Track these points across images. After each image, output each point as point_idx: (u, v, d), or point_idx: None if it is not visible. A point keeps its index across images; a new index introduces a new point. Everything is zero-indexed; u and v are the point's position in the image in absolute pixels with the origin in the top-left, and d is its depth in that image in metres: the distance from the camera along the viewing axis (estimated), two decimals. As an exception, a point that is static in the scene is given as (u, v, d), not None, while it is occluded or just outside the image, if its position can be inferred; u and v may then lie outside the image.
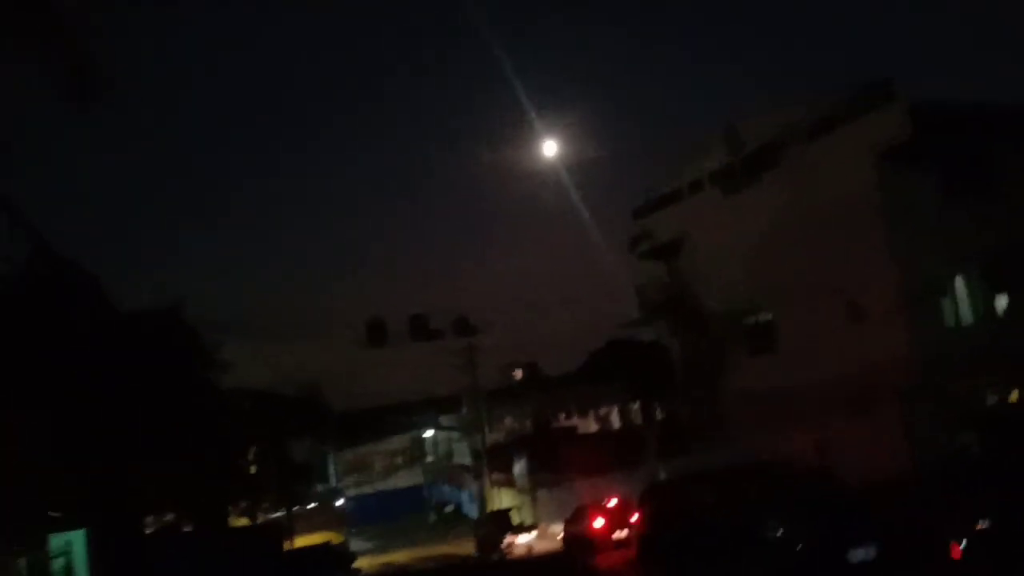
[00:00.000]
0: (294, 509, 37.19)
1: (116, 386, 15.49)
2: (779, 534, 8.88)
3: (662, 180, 30.28)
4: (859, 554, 8.46)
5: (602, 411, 58.48)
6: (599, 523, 22.43)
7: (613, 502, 23.22)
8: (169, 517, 25.98)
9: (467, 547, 35.15)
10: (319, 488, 46.15)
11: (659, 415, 36.56)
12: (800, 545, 8.66)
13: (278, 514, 36.46)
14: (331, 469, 50.42)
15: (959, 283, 21.79)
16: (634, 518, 22.02)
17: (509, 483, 37.77)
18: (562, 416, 55.77)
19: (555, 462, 35.87)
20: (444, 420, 54.87)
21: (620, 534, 20.90)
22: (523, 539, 28.74)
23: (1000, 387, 21.41)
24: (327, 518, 39.90)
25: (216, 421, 20.05)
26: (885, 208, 21.37)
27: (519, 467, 36.36)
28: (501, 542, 27.63)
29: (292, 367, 44.27)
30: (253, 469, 34.63)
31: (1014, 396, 21.61)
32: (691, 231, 28.07)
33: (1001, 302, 22.02)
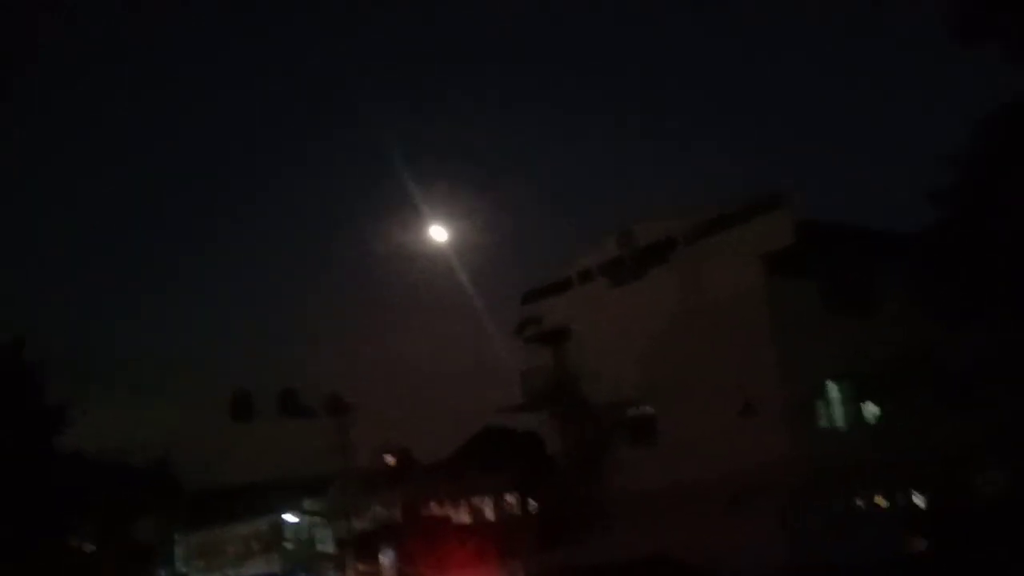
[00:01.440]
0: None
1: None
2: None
3: (552, 269, 30.51)
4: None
5: (475, 501, 56.97)
6: None
7: None
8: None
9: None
10: (163, 574, 42.03)
11: (535, 507, 35.56)
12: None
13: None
14: (177, 552, 46.12)
15: (832, 389, 22.60)
16: None
17: (375, 575, 35.53)
18: (433, 505, 53.84)
19: (426, 553, 34.14)
20: (308, 504, 51.71)
21: None
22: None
23: (867, 491, 22.14)
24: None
25: (49, 486, 17.59)
26: (768, 311, 22.08)
27: (387, 557, 34.32)
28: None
29: (145, 435, 40.84)
30: (89, 548, 31.12)
31: (880, 501, 22.36)
32: (579, 320, 28.14)
33: (870, 411, 22.97)
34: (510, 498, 55.97)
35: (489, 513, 55.72)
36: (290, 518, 50.90)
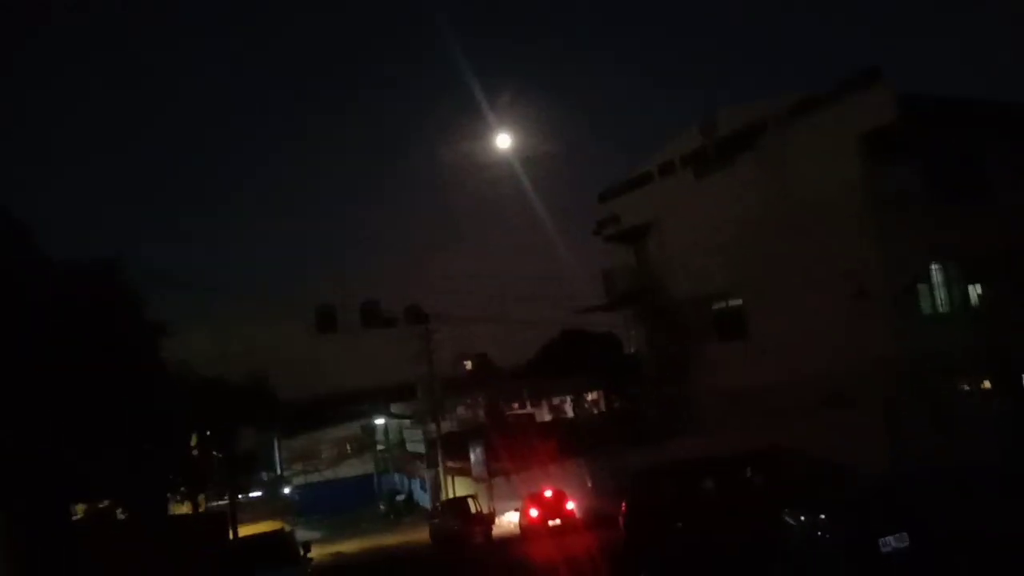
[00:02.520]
0: (239, 498, 35.49)
1: (44, 351, 13.84)
2: (800, 524, 7.94)
3: (631, 166, 29.56)
4: (891, 543, 7.63)
5: (556, 401, 57.93)
6: (534, 512, 24.25)
7: (548, 493, 24.92)
8: (103, 504, 24.16)
9: (420, 536, 34.07)
10: (264, 477, 44.39)
11: (618, 405, 35.77)
12: (826, 535, 7.75)
13: (221, 503, 34.72)
14: (277, 457, 48.60)
15: (935, 272, 21.44)
16: (569, 506, 24.56)
17: (464, 472, 36.70)
18: (515, 406, 54.98)
19: (512, 450, 34.93)
20: (395, 408, 53.48)
21: (555, 522, 23.54)
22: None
23: (974, 378, 21.25)
24: (273, 507, 38.25)
25: (158, 399, 18.32)
26: (867, 197, 20.83)
27: (475, 455, 35.29)
28: (463, 531, 26.53)
29: (238, 350, 42.37)
30: (194, 454, 32.85)
31: (985, 384, 21.47)
32: (660, 215, 27.35)
33: (976, 293, 21.79)
34: (591, 397, 56.86)
35: (570, 412, 56.79)
36: (380, 421, 52.85)
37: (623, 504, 11.74)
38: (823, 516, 7.90)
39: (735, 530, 8.90)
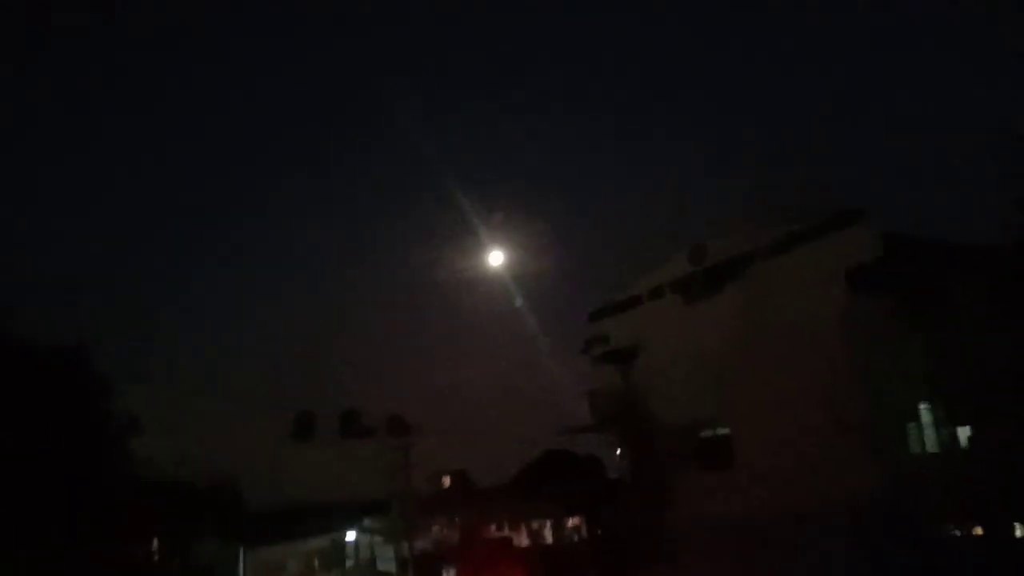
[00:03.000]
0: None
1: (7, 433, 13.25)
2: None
3: (620, 288, 29.81)
4: None
5: (534, 525, 56.03)
6: None
7: None
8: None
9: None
10: (225, 590, 42.05)
11: (599, 533, 34.57)
12: None
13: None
14: (241, 569, 46.24)
15: (924, 411, 21.28)
16: None
17: (435, 595, 35.00)
18: (492, 528, 53.13)
19: (487, 573, 33.50)
20: (369, 523, 51.57)
21: None
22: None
23: (961, 519, 20.68)
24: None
25: (119, 497, 17.50)
26: (853, 328, 20.98)
27: (448, 578, 33.75)
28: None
29: (208, 454, 41.11)
30: (155, 559, 31.26)
31: (977, 531, 20.87)
32: (648, 338, 27.38)
33: (963, 434, 21.53)
34: (572, 522, 55.08)
35: (549, 536, 54.88)
36: (351, 536, 50.84)
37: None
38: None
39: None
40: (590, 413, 29.26)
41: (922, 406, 21.20)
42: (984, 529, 20.84)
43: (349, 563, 50.51)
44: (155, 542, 29.91)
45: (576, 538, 52.57)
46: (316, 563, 51.11)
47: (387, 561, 45.32)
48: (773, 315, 22.77)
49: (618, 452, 31.10)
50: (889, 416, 20.24)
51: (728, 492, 23.27)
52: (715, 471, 24.50)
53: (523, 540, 53.24)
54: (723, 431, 24.74)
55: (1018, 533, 21.01)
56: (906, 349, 20.53)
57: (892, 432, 20.20)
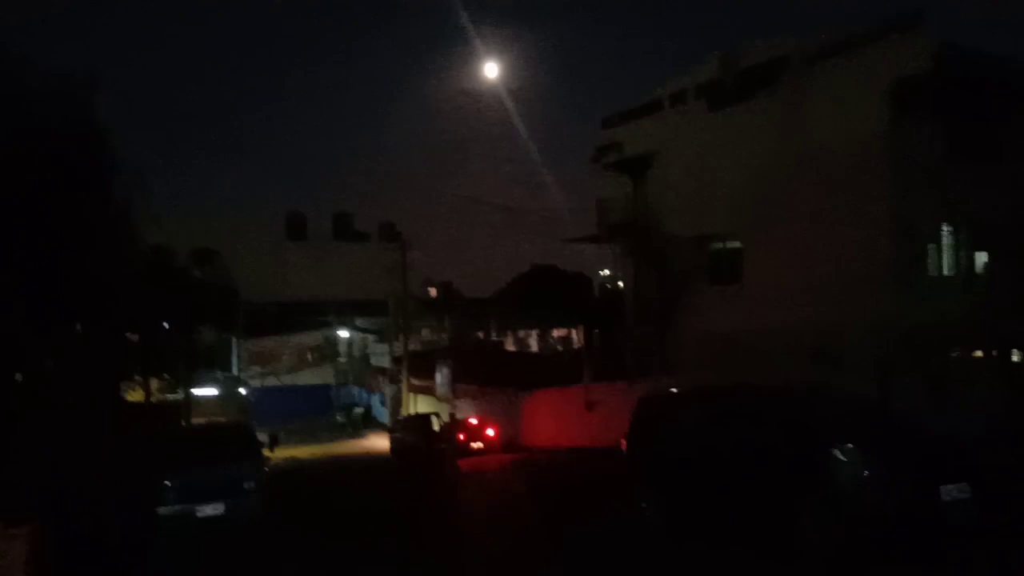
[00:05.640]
0: (192, 393, 34.44)
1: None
2: (852, 460, 7.08)
3: (640, 93, 28.20)
4: (952, 492, 6.83)
5: (521, 334, 57.50)
6: (462, 436, 27.98)
7: (473, 421, 29.70)
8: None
9: (377, 448, 33.58)
10: (219, 375, 43.27)
11: (597, 343, 35.09)
12: (882, 476, 6.90)
13: (175, 396, 33.63)
14: (234, 357, 47.47)
15: (946, 234, 20.76)
16: (490, 432, 29.15)
17: (427, 391, 36.06)
18: (480, 335, 54.46)
19: (478, 374, 34.35)
20: (360, 322, 52.53)
21: (477, 444, 28.33)
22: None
23: (966, 347, 20.83)
24: (227, 407, 37.32)
25: (122, 269, 16.81)
26: (890, 149, 19.84)
27: (441, 375, 34.57)
28: (423, 447, 25.93)
29: (203, 242, 40.79)
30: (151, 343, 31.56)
31: (977, 354, 21.11)
32: (666, 146, 26.12)
33: (982, 261, 21.22)
34: (557, 333, 56.47)
35: (534, 346, 56.51)
36: (344, 333, 51.89)
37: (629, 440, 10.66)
38: (880, 455, 7.02)
39: (759, 463, 7.95)
40: (596, 223, 28.54)
41: (945, 228, 20.67)
42: (983, 353, 21.07)
43: (341, 359, 52.01)
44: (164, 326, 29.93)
45: (560, 347, 54.21)
46: (310, 356, 52.63)
47: (380, 357, 46.50)
48: (806, 127, 21.54)
49: (618, 267, 30.87)
50: (913, 236, 19.68)
51: (732, 307, 23.11)
52: (722, 285, 24.25)
53: (510, 347, 54.84)
54: (733, 244, 24.22)
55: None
56: (942, 172, 19.65)
57: (912, 253, 19.72)
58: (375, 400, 46.65)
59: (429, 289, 61.10)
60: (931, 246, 20.44)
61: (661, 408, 10.16)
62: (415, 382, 36.45)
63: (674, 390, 10.78)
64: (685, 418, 9.35)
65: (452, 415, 28.87)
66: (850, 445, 7.06)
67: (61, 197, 13.20)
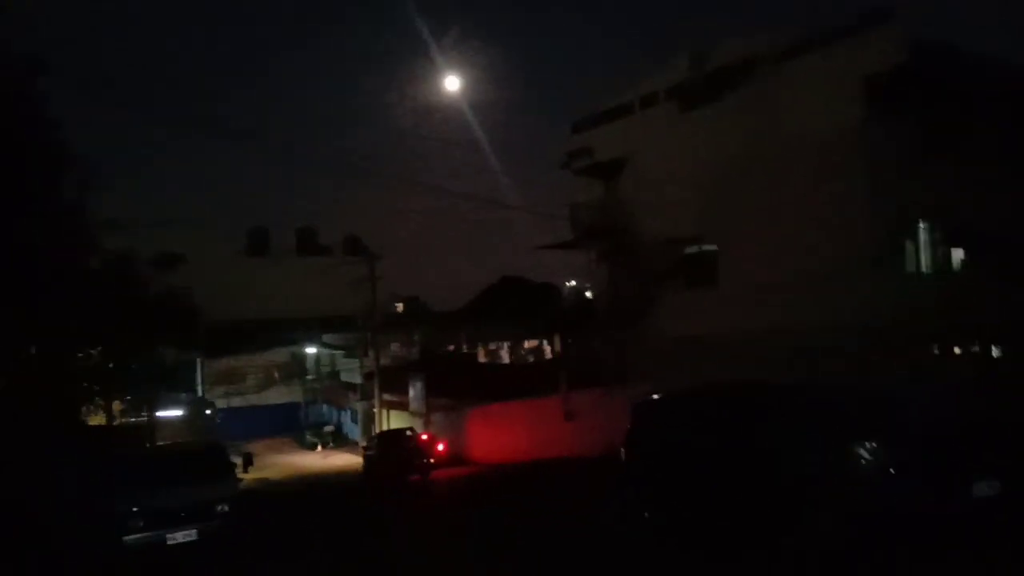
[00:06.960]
0: (156, 416, 33.20)
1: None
2: (877, 458, 6.66)
3: (607, 97, 27.92)
4: (983, 489, 6.45)
5: (491, 346, 56.90)
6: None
7: (424, 436, 27.81)
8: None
9: (350, 466, 32.65)
10: (184, 396, 41.96)
11: (573, 351, 34.64)
12: (909, 472, 6.50)
13: (139, 418, 32.38)
14: (199, 376, 46.14)
15: (922, 231, 20.70)
16: (440, 447, 27.41)
17: (400, 406, 35.25)
18: (451, 348, 53.75)
19: (452, 388, 33.65)
20: (327, 338, 51.47)
21: (426, 460, 25.97)
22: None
23: (945, 343, 20.74)
24: (193, 427, 36.16)
25: (73, 276, 15.84)
26: (864, 145, 19.76)
27: (415, 390, 33.83)
28: (400, 463, 25.14)
29: (162, 254, 39.56)
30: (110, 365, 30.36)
31: (956, 351, 21.03)
32: (638, 149, 25.91)
33: (958, 257, 21.18)
34: (528, 344, 55.99)
35: (505, 357, 55.92)
36: (311, 350, 50.81)
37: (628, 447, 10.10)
38: (907, 451, 6.62)
39: (772, 462, 7.50)
40: (571, 228, 28.17)
41: (921, 224, 20.61)
42: (962, 349, 21.01)
43: (309, 376, 50.85)
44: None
45: (532, 359, 53.72)
46: (276, 374, 51.38)
47: (350, 372, 45.53)
48: (779, 124, 21.42)
49: (592, 272, 30.49)
50: (889, 232, 19.58)
51: (707, 310, 22.85)
52: (697, 288, 24.01)
53: (481, 359, 54.14)
54: (709, 248, 24.00)
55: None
56: (916, 167, 19.59)
57: (889, 250, 19.62)
58: (345, 417, 45.66)
59: (396, 305, 60.34)
60: (908, 243, 20.33)
61: (660, 411, 9.70)
62: (387, 397, 35.63)
63: (673, 391, 10.33)
64: (686, 420, 8.89)
65: (412, 429, 28.27)
66: (873, 443, 6.65)
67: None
